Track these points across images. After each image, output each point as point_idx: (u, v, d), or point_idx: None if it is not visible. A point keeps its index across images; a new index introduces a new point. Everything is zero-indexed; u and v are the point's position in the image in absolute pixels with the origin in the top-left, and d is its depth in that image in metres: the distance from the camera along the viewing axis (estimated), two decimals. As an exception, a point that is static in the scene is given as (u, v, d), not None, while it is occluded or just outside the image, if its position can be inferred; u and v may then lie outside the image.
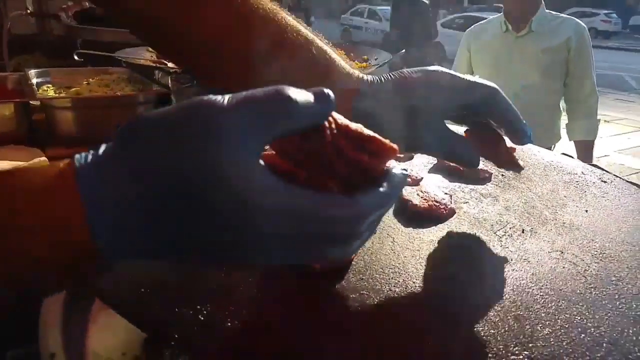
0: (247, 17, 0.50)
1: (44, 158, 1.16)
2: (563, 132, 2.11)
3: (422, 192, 0.59)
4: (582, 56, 1.96)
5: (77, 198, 0.27)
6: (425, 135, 0.49)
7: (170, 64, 1.91)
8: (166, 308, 0.42)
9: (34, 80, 1.51)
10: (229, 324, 0.40)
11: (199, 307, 0.42)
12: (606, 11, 21.33)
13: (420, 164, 0.72)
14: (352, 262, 0.48)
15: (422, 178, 0.64)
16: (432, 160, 0.72)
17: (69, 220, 0.27)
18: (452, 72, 0.50)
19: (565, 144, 2.16)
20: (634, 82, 10.30)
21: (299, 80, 0.38)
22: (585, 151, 2.07)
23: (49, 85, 1.63)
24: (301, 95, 0.30)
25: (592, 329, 0.41)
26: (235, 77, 0.53)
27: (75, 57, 1.97)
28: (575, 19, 2.03)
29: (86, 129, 1.42)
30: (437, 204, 0.57)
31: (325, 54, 0.52)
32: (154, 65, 1.90)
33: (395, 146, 0.33)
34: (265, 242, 0.29)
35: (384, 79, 0.50)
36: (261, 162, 0.29)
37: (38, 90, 1.47)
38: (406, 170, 0.35)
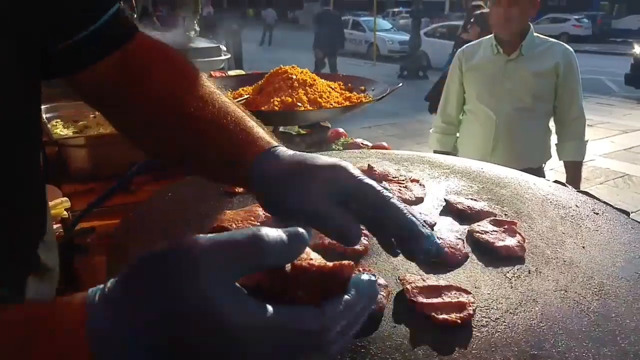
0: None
1: (65, 198, 1.20)
2: (553, 150, 2.20)
3: (438, 238, 0.65)
4: (569, 81, 2.05)
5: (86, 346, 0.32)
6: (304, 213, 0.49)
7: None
8: None
9: (44, 116, 1.56)
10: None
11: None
12: (577, 16, 21.94)
13: (431, 206, 0.78)
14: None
15: (435, 223, 0.70)
16: (441, 203, 0.79)
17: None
18: (346, 169, 0.50)
19: (556, 161, 2.25)
20: (614, 85, 10.57)
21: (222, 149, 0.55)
22: (574, 171, 2.15)
23: (58, 120, 1.67)
24: (276, 237, 0.34)
25: (598, 365, 0.47)
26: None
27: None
28: (563, 44, 2.12)
29: (99, 164, 1.47)
30: (453, 250, 0.63)
31: (245, 131, 0.57)
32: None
33: (351, 263, 0.36)
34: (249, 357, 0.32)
35: (285, 155, 0.53)
36: (237, 288, 0.33)
37: (48, 125, 1.51)
38: (374, 275, 0.39)
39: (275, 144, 0.56)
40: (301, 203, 0.49)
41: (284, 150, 0.55)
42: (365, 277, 0.38)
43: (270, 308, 0.33)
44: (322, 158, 0.53)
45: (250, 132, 0.57)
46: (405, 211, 0.50)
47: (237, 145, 0.56)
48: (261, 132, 0.58)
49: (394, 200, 0.50)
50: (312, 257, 0.38)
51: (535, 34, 2.08)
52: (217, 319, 0.31)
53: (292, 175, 0.51)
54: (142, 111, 0.62)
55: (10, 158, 0.57)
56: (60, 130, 1.56)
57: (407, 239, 0.50)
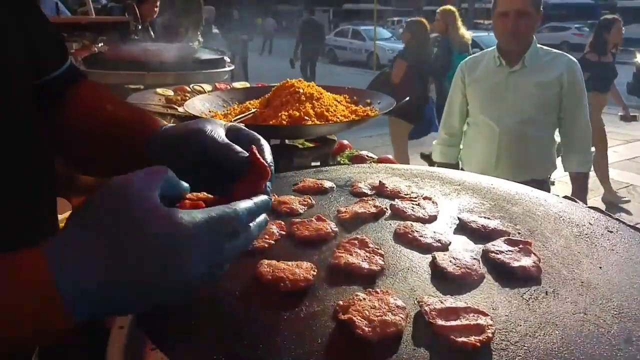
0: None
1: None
2: (558, 161, 2.20)
3: (454, 259, 0.65)
4: (574, 91, 2.04)
5: (47, 276, 0.39)
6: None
7: (180, 109, 1.97)
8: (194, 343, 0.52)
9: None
10: None
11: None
12: (577, 25, 21.95)
13: (445, 225, 0.78)
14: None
15: (450, 242, 0.70)
16: (454, 221, 0.79)
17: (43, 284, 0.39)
18: (205, 128, 0.62)
19: (559, 172, 2.24)
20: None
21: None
22: (580, 182, 2.14)
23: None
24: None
25: (621, 391, 0.47)
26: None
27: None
28: (566, 54, 2.12)
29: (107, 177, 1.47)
30: (469, 271, 0.63)
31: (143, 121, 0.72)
32: (166, 110, 1.97)
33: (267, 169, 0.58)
34: (198, 250, 0.43)
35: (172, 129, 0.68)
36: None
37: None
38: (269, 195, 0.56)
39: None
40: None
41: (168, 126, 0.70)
42: (266, 194, 0.55)
43: (194, 212, 0.45)
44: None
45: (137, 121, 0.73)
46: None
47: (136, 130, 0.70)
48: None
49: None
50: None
51: (538, 45, 2.08)
52: (160, 221, 0.42)
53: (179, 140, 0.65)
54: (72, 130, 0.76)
55: (23, 173, 0.61)
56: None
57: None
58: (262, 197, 0.54)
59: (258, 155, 0.58)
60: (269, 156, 0.62)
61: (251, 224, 0.51)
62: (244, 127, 0.66)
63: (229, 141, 0.61)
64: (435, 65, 4.58)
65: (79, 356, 0.93)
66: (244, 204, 0.50)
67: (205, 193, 0.60)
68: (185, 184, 0.52)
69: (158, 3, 4.31)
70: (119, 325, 0.91)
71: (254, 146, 0.59)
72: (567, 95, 2.04)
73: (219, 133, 0.62)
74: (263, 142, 0.63)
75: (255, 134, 0.65)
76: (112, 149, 0.73)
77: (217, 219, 0.46)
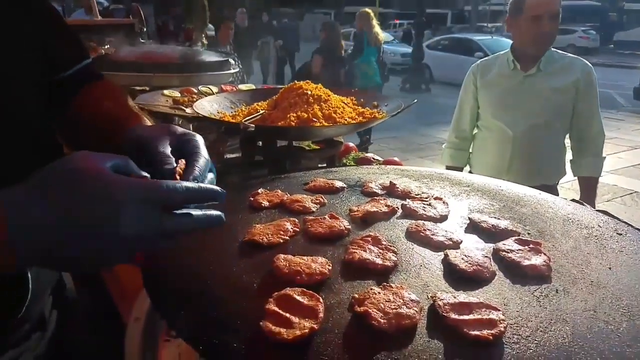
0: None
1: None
2: (567, 166, 2.18)
3: (465, 256, 0.66)
4: (589, 96, 2.01)
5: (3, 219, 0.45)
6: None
7: (188, 110, 1.99)
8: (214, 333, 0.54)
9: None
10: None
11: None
12: (584, 27, 21.73)
13: (456, 224, 0.80)
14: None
15: (461, 241, 0.71)
16: (465, 221, 0.80)
17: None
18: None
19: (566, 179, 2.24)
20: (622, 100, 10.55)
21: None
22: (589, 187, 2.10)
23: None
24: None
25: (631, 385, 0.48)
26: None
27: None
28: (582, 59, 2.08)
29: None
30: (481, 268, 0.64)
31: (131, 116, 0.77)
32: (174, 111, 1.99)
33: None
34: (128, 212, 0.47)
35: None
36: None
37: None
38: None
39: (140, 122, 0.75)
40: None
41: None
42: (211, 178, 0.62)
43: (132, 179, 0.50)
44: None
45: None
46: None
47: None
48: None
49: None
50: None
51: (552, 49, 2.05)
52: (101, 182, 0.47)
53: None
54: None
55: (37, 162, 0.65)
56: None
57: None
58: (200, 185, 0.56)
59: (178, 173, 0.60)
60: (196, 171, 0.61)
61: (196, 211, 0.55)
62: (195, 139, 0.67)
63: (166, 151, 0.63)
64: (348, 54, 5.86)
65: (97, 348, 0.95)
66: (184, 184, 0.53)
67: None
68: (143, 172, 0.56)
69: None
70: (135, 317, 0.93)
71: (181, 160, 0.62)
72: (582, 100, 2.00)
73: (163, 142, 0.64)
74: (201, 156, 0.64)
75: (201, 147, 0.65)
76: (105, 142, 0.77)
77: (153, 186, 0.50)
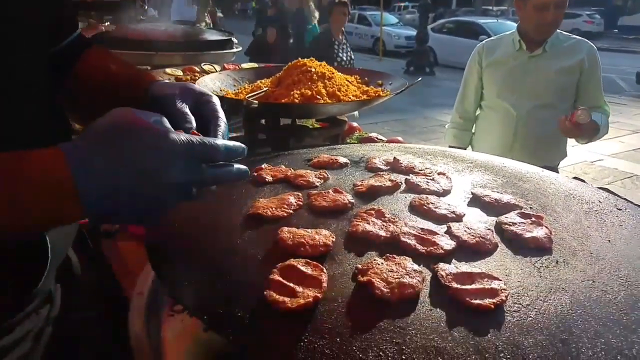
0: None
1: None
2: (568, 150, 2.19)
3: (468, 228, 0.67)
4: (594, 77, 2.03)
5: (68, 172, 0.48)
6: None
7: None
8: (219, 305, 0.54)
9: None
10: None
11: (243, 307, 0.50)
12: (589, 12, 21.42)
13: (459, 199, 0.80)
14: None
15: (464, 214, 0.72)
16: (468, 195, 0.81)
17: (62, 186, 0.48)
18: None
19: (568, 161, 2.23)
20: (624, 84, 10.48)
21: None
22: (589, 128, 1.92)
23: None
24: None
25: (626, 350, 0.50)
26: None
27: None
28: (587, 40, 2.09)
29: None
30: (483, 240, 0.65)
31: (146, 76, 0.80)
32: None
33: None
34: (174, 164, 0.52)
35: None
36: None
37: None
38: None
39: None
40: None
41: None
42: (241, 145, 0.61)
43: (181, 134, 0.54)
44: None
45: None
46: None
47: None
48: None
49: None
50: None
51: (558, 31, 2.05)
52: (152, 135, 0.51)
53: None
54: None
55: (41, 129, 0.68)
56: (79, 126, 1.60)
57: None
58: (240, 144, 0.60)
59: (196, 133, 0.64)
60: (220, 134, 0.66)
61: (233, 165, 0.59)
62: (213, 101, 0.70)
63: (186, 110, 0.67)
64: (294, 27, 6.44)
65: (101, 323, 0.97)
66: (222, 141, 0.58)
67: None
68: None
69: None
70: (138, 291, 0.94)
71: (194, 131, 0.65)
72: (587, 80, 2.02)
73: (183, 100, 0.69)
74: (221, 120, 0.68)
75: (219, 109, 0.70)
76: (117, 103, 0.78)
77: (199, 141, 0.54)
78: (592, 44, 2.07)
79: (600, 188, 0.93)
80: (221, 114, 0.68)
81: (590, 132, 1.94)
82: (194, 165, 0.54)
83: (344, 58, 5.07)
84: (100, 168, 0.50)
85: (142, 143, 0.51)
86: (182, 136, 0.54)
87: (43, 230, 0.61)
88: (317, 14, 6.74)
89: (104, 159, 0.50)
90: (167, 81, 0.79)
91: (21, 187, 0.47)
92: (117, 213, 0.53)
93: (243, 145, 0.61)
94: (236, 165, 0.60)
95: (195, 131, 0.62)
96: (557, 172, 2.16)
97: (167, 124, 0.56)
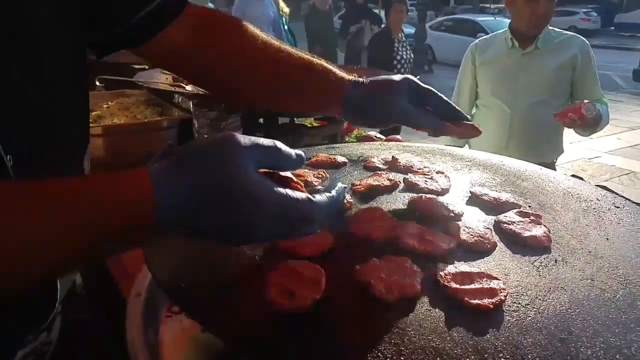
0: (264, 51, 0.77)
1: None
2: (566, 147, 2.20)
3: (467, 227, 0.67)
4: (589, 72, 2.03)
5: (150, 189, 0.44)
6: (393, 111, 0.77)
7: (188, 87, 1.99)
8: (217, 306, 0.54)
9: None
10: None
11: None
12: (585, 9, 21.44)
13: (457, 197, 0.80)
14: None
15: (463, 213, 0.72)
16: (466, 194, 0.81)
17: (142, 202, 0.44)
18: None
19: (566, 158, 2.24)
20: (621, 81, 10.50)
21: (308, 86, 0.79)
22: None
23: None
24: (288, 150, 0.52)
25: (625, 349, 0.50)
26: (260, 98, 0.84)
27: (97, 83, 2.03)
28: (580, 36, 2.10)
29: (117, 153, 1.50)
30: (482, 239, 0.65)
31: (322, 65, 0.80)
32: (174, 89, 1.98)
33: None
34: (262, 221, 0.47)
35: (364, 79, 0.79)
36: (257, 171, 0.48)
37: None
38: (345, 185, 0.58)
39: (353, 76, 0.81)
40: (389, 109, 0.76)
41: (361, 79, 0.80)
42: (340, 184, 0.57)
43: (280, 188, 0.48)
44: (391, 75, 0.80)
45: (332, 70, 0.80)
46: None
47: (330, 81, 0.79)
48: (335, 68, 0.81)
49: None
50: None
51: (550, 27, 2.07)
52: (243, 185, 0.46)
53: (378, 92, 0.77)
54: (223, 63, 0.78)
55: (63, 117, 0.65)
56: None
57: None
58: (340, 186, 0.56)
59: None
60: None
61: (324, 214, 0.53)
62: (434, 92, 0.78)
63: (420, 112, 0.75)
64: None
65: (98, 325, 0.96)
66: (320, 197, 0.52)
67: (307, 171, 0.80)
68: (296, 158, 0.53)
69: None
70: (135, 292, 0.94)
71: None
72: (580, 77, 2.03)
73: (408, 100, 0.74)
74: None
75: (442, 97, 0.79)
76: (295, 88, 0.80)
77: (293, 202, 0.49)
78: (584, 39, 2.08)
79: (598, 186, 0.93)
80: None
81: (593, 122, 1.92)
82: (279, 225, 0.49)
83: (404, 57, 4.78)
84: (177, 195, 0.45)
85: (231, 198, 0.46)
86: (277, 198, 0.47)
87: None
88: (287, 10, 6.45)
89: (184, 189, 0.45)
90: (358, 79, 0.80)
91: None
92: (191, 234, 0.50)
93: (343, 188, 0.57)
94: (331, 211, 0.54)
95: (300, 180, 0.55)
96: (555, 168, 2.18)
97: (280, 161, 0.51)
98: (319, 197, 0.52)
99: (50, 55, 0.61)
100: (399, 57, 4.70)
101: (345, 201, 0.77)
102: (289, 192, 0.49)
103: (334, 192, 0.54)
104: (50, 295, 0.67)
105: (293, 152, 0.52)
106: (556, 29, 2.10)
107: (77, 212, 0.43)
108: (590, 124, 1.92)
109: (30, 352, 0.68)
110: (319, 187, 0.86)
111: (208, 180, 0.45)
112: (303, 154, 0.53)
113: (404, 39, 4.91)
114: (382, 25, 5.66)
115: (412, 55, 5.02)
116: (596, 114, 1.86)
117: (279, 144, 0.51)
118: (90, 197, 0.44)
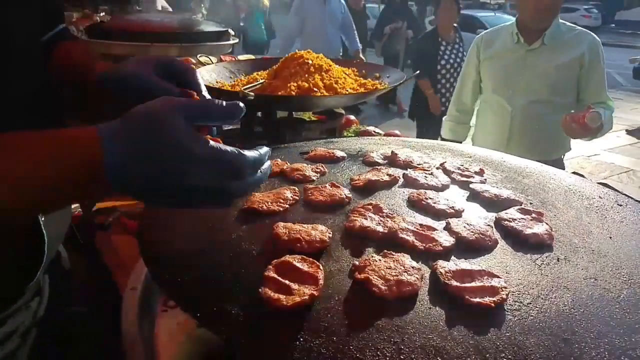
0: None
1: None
2: (572, 143, 2.14)
3: (468, 224, 0.66)
4: (596, 71, 1.94)
5: (99, 148, 0.49)
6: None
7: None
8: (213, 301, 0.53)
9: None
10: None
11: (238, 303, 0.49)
12: (586, 6, 21.32)
13: (457, 194, 0.79)
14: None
15: (463, 209, 0.71)
16: (466, 192, 0.80)
17: (94, 161, 0.49)
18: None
19: (567, 156, 2.21)
20: (621, 79, 10.48)
21: None
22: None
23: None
24: (221, 104, 0.55)
25: (630, 351, 0.48)
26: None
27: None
28: (591, 33, 2.00)
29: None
30: (483, 236, 0.64)
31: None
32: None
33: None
34: (197, 169, 0.50)
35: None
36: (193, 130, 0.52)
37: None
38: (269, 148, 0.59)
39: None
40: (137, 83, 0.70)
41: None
42: (265, 147, 0.58)
43: (212, 142, 0.52)
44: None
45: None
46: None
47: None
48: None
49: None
50: None
51: (560, 21, 1.97)
52: (178, 139, 0.50)
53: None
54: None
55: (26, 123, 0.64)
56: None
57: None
58: (265, 148, 0.59)
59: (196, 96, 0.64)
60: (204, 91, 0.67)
61: (259, 171, 0.57)
62: (176, 60, 0.72)
63: (166, 86, 0.67)
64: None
65: (93, 319, 0.95)
66: (249, 152, 0.56)
67: None
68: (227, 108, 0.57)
69: None
70: (131, 286, 0.93)
71: (190, 91, 0.66)
72: (587, 76, 1.94)
73: (155, 77, 0.68)
74: (199, 78, 0.69)
75: (186, 65, 0.71)
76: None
77: (223, 153, 0.53)
78: (595, 36, 1.97)
79: (600, 183, 0.91)
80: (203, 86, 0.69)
81: (594, 130, 1.87)
82: (216, 179, 0.53)
83: (450, 61, 3.97)
84: (124, 154, 0.50)
85: (169, 146, 0.50)
86: (213, 150, 0.52)
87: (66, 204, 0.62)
88: (266, 2, 6.59)
89: (129, 148, 0.50)
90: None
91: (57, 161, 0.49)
92: (141, 197, 0.54)
93: (268, 150, 0.59)
94: (263, 170, 0.58)
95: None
96: (562, 164, 2.12)
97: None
98: (247, 152, 0.55)
99: None
100: (443, 62, 3.97)
101: (344, 195, 0.76)
102: (221, 145, 0.53)
103: (261, 151, 0.58)
104: (38, 251, 0.69)
105: (228, 104, 0.56)
106: (567, 23, 2.00)
107: (42, 150, 0.49)
108: (591, 132, 1.87)
109: (22, 321, 0.71)
110: (317, 181, 0.85)
111: (147, 134, 0.51)
112: (239, 105, 0.57)
113: (457, 40, 4.06)
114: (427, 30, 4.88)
115: (462, 59, 4.00)
116: (600, 124, 1.78)
117: (214, 102, 0.56)
118: (50, 141, 0.51)
